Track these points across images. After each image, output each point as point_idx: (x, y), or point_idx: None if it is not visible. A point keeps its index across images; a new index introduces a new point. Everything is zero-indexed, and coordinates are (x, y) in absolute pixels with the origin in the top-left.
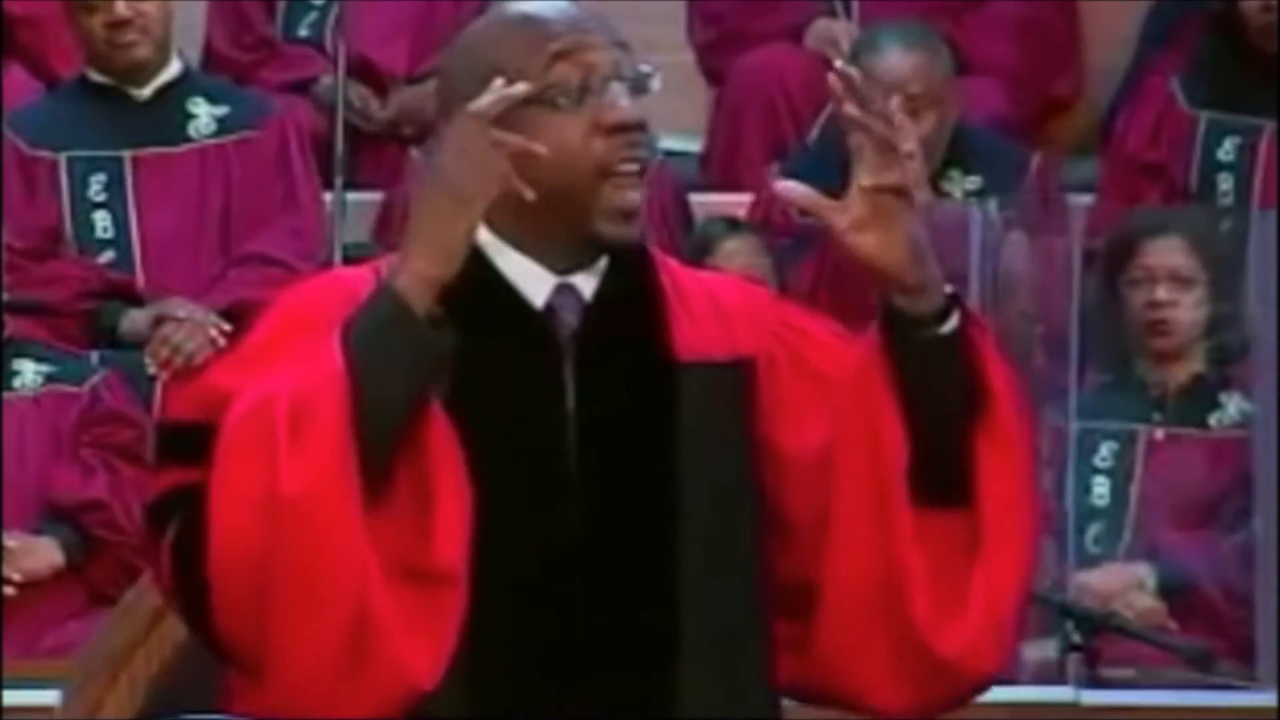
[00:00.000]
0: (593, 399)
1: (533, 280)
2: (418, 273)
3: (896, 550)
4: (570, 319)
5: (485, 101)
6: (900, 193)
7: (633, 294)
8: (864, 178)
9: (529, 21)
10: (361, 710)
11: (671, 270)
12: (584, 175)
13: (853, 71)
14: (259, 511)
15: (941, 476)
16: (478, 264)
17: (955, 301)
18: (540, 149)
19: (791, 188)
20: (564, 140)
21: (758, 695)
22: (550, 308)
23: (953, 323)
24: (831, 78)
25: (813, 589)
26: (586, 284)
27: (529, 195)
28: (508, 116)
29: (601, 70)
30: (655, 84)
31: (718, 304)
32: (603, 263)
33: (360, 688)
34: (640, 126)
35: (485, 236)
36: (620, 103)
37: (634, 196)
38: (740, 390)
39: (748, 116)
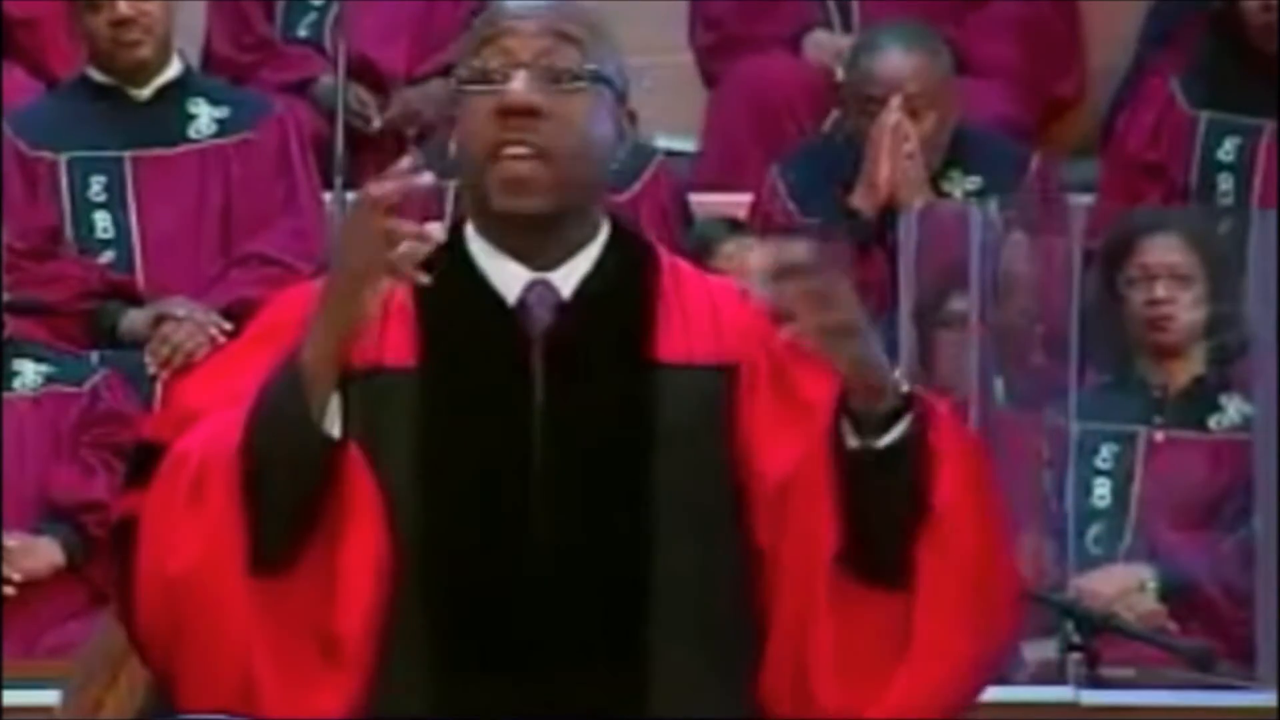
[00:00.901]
0: (562, 394)
1: (509, 277)
2: (318, 347)
3: (810, 630)
4: (544, 314)
5: (383, 188)
6: (844, 329)
7: (615, 292)
8: (804, 324)
9: (485, 10)
10: None
11: (678, 272)
12: (476, 156)
13: (785, 257)
14: (157, 585)
15: (878, 565)
16: (461, 263)
17: (911, 405)
18: (436, 233)
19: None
20: (468, 122)
21: (731, 702)
22: (523, 303)
23: (900, 430)
24: (757, 258)
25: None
26: (566, 281)
27: (422, 280)
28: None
29: (519, 57)
30: (580, 84)
31: (716, 308)
32: (585, 261)
33: None
34: (531, 111)
35: (472, 236)
36: (513, 86)
37: (518, 168)
38: (717, 395)
39: (744, 121)
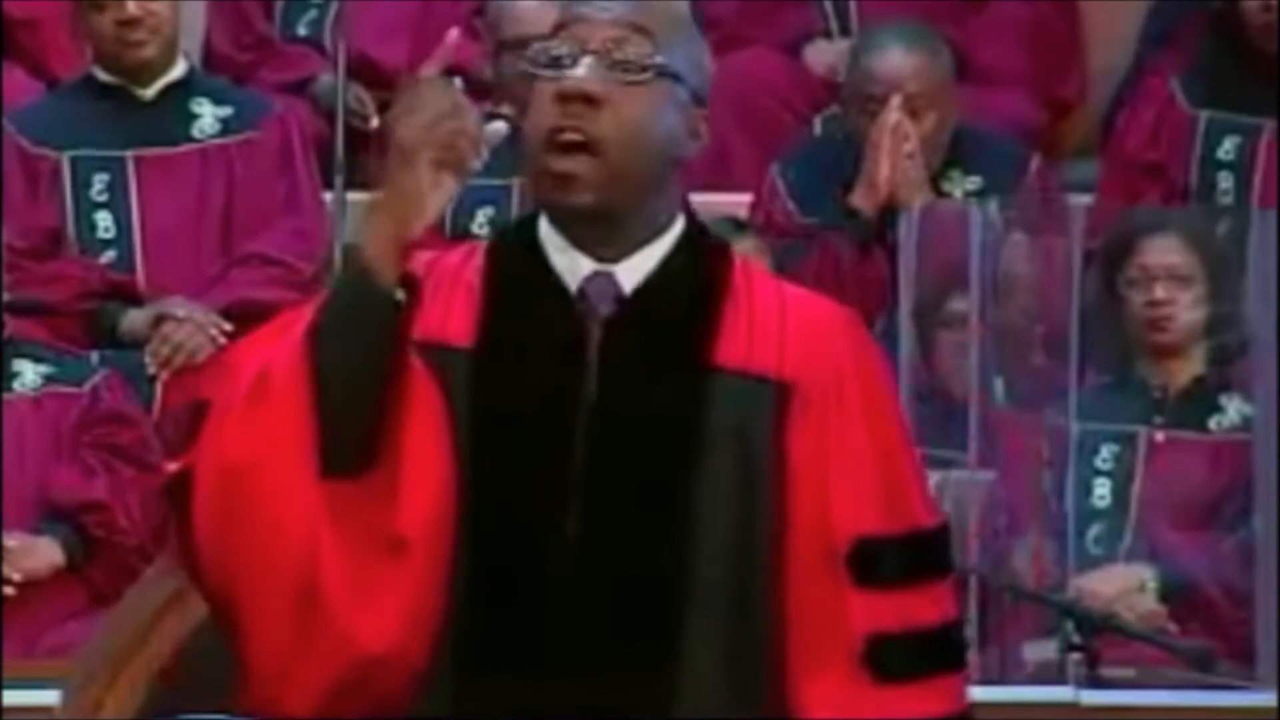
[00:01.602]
0: (613, 388)
1: (573, 266)
2: (377, 231)
3: None
4: (603, 306)
5: (433, 65)
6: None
7: (678, 290)
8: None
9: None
10: (315, 679)
11: (750, 276)
12: (533, 143)
13: None
14: (215, 481)
15: None
16: (529, 250)
17: None
18: (499, 130)
19: None
20: (534, 105)
21: (758, 709)
22: (583, 294)
23: None
24: None
25: None
26: (629, 275)
27: (474, 164)
28: (522, 84)
29: (587, 45)
30: (645, 75)
31: (785, 322)
32: (651, 256)
33: (309, 655)
34: (585, 98)
35: (544, 224)
36: (574, 73)
37: (567, 164)
38: (767, 410)
39: (730, 118)
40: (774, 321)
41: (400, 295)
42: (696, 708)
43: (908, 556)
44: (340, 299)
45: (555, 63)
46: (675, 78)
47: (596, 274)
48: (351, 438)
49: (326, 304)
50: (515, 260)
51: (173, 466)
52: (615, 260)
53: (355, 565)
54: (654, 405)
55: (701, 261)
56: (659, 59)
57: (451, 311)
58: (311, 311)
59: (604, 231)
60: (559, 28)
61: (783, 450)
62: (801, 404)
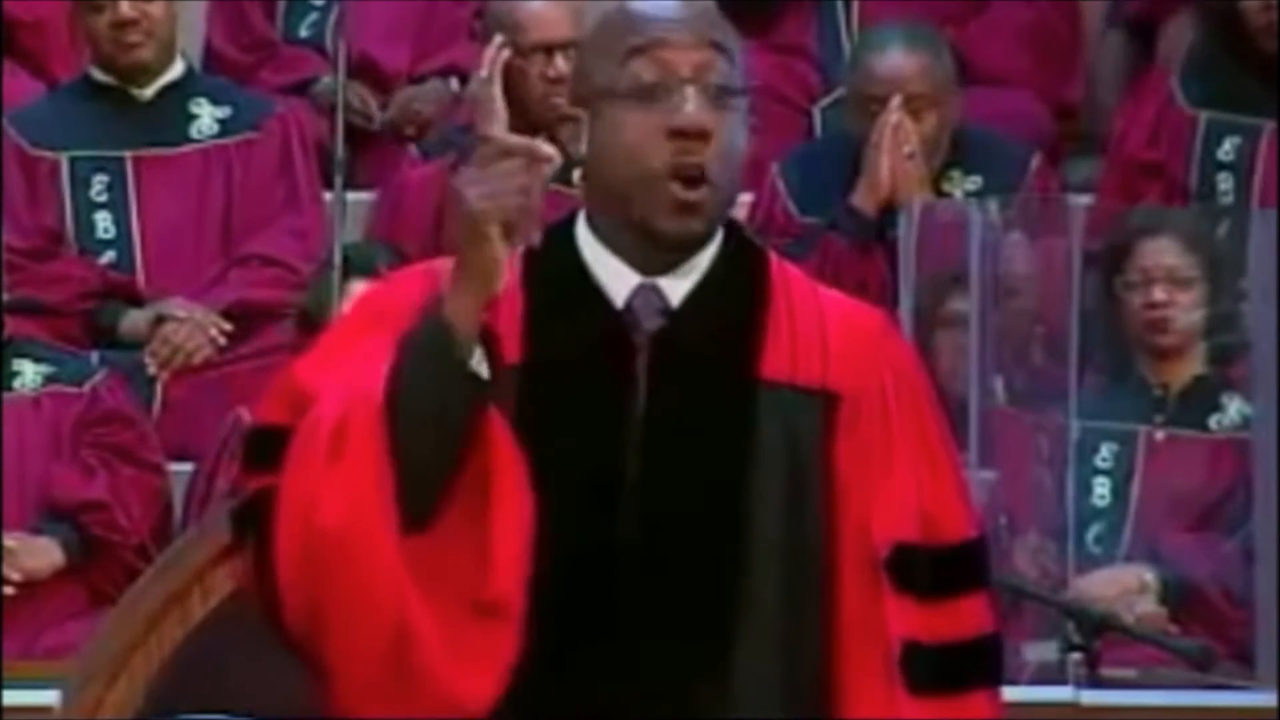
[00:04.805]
0: (663, 403)
1: (619, 280)
2: (458, 296)
3: None
4: (650, 320)
5: (487, 118)
6: None
7: (724, 303)
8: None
9: (621, 14)
10: None
11: (789, 283)
12: (647, 173)
13: None
14: (301, 539)
15: None
16: (573, 263)
17: None
18: (549, 152)
19: None
20: (634, 136)
21: (810, 707)
22: (630, 308)
23: None
24: None
25: None
26: (675, 288)
27: (534, 240)
28: (593, 106)
29: (680, 71)
30: (734, 100)
31: (825, 330)
32: (697, 268)
33: (409, 707)
34: (700, 134)
35: (584, 236)
36: (685, 107)
37: (693, 194)
38: (815, 421)
39: None
40: (815, 330)
41: (484, 370)
42: (750, 714)
43: (940, 569)
44: (420, 357)
45: (650, 94)
46: (745, 92)
47: (643, 287)
48: (428, 496)
49: (405, 363)
50: (557, 273)
51: (244, 492)
52: (661, 272)
53: (450, 627)
54: (703, 421)
55: (744, 270)
56: (739, 80)
57: (496, 327)
58: (388, 357)
59: (659, 245)
60: (636, 51)
61: (830, 460)
62: (848, 414)
